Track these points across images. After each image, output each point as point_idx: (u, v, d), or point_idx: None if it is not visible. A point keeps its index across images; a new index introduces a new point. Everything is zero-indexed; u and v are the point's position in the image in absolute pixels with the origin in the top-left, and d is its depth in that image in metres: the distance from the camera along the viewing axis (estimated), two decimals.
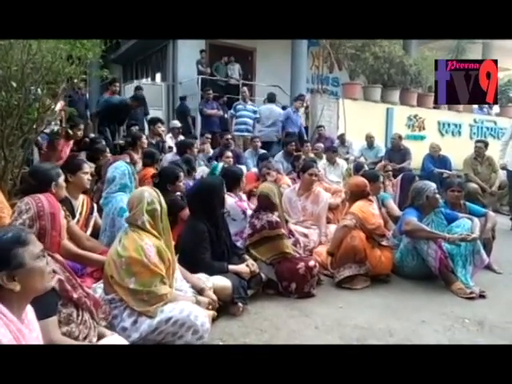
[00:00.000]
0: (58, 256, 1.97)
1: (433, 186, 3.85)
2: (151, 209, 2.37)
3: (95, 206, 3.42)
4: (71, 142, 5.15)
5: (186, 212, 3.54)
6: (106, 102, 6.46)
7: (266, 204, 3.44)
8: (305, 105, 8.84)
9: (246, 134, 7.93)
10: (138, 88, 8.57)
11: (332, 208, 4.66)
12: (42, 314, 1.65)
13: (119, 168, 3.29)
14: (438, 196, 3.82)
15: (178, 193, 4.00)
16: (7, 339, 1.27)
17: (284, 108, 8.74)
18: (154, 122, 6.87)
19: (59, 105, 4.47)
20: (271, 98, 8.32)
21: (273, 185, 3.69)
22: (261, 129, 8.01)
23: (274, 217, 3.39)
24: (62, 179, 2.89)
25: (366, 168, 5.44)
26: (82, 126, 5.22)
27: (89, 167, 3.47)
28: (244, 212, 3.80)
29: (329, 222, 4.53)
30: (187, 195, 3.47)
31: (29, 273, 1.40)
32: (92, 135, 6.22)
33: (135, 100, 6.48)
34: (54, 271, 1.85)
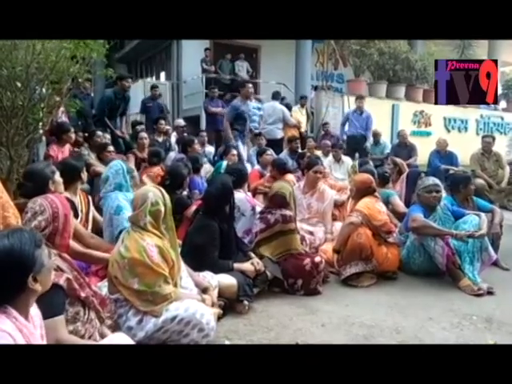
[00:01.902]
0: (65, 255, 1.97)
1: (425, 183, 3.82)
2: (155, 210, 2.34)
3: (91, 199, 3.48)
4: (67, 147, 4.89)
5: (191, 210, 3.54)
6: (101, 100, 6.37)
7: (280, 203, 3.43)
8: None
9: (254, 131, 7.90)
10: (154, 87, 8.56)
11: (338, 205, 4.64)
12: (49, 313, 1.66)
13: (113, 167, 3.34)
14: (434, 194, 3.74)
15: (185, 192, 4.03)
16: (21, 343, 1.29)
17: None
18: (155, 120, 6.87)
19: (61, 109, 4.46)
20: (275, 96, 8.33)
21: (288, 185, 3.66)
22: (263, 126, 7.98)
23: (288, 211, 3.39)
24: (57, 176, 2.91)
25: (371, 164, 5.41)
26: (72, 130, 4.94)
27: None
28: (253, 208, 3.80)
29: (335, 219, 4.51)
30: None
31: (47, 271, 1.44)
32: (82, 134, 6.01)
33: (119, 79, 6.12)
34: (62, 270, 1.85)
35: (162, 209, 2.37)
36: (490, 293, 3.36)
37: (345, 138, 8.20)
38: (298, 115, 8.75)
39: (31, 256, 1.36)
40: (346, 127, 8.32)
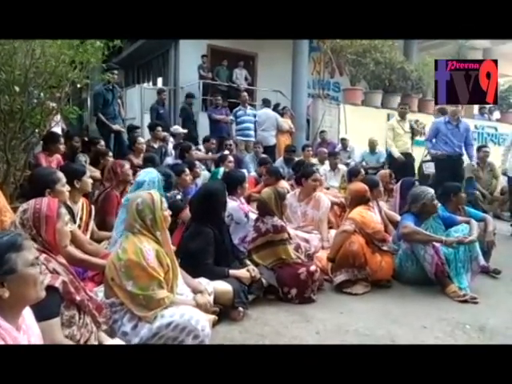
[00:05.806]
0: (60, 258, 1.97)
1: (430, 192, 3.85)
2: (143, 216, 2.38)
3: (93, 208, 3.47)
4: (56, 157, 4.69)
5: (185, 213, 3.54)
6: (93, 97, 6.56)
7: (264, 211, 3.46)
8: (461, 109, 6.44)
9: (249, 138, 7.95)
10: (161, 91, 8.59)
11: (335, 204, 4.69)
12: (44, 315, 1.66)
13: (150, 174, 3.38)
14: (435, 202, 3.82)
15: (179, 196, 4.03)
16: None
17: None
18: (153, 127, 6.88)
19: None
20: (266, 103, 8.68)
21: (273, 190, 3.62)
22: (258, 132, 8.11)
23: (280, 221, 3.40)
24: (60, 185, 2.89)
25: (362, 172, 5.43)
26: (62, 140, 4.76)
27: (88, 171, 3.60)
28: (246, 215, 3.80)
29: (331, 227, 4.53)
30: (191, 201, 3.47)
31: (20, 279, 1.36)
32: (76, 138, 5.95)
33: (108, 71, 5.99)
34: (58, 273, 1.85)
35: (149, 216, 2.38)
36: (474, 303, 3.37)
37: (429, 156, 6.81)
38: (399, 131, 7.07)
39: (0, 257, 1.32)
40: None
